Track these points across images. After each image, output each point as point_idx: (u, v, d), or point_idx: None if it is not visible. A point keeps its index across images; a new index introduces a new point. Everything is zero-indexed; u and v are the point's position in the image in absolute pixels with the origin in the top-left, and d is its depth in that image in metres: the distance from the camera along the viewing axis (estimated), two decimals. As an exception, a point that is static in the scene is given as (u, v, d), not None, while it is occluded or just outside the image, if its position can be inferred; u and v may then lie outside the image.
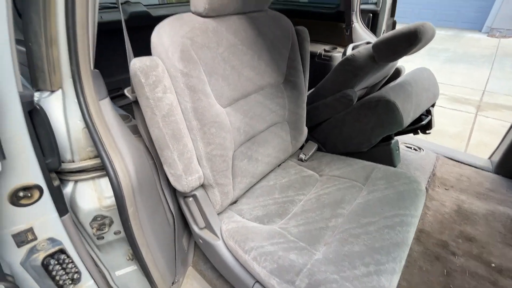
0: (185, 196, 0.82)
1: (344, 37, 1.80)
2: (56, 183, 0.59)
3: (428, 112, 1.36)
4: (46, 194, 0.57)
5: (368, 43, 1.48)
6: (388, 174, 0.94)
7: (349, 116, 1.23)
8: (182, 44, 0.62)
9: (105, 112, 0.65)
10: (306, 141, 1.20)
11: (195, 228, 0.86)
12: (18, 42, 0.53)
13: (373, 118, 1.14)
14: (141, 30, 2.04)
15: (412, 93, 1.17)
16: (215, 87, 0.71)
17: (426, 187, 1.47)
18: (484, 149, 2.36)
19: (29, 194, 0.53)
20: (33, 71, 0.58)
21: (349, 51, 1.30)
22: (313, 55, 1.89)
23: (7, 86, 0.48)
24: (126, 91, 0.69)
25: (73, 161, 0.65)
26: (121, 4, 1.91)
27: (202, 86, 0.67)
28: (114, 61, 1.76)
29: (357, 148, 1.25)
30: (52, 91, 0.61)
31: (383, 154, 1.26)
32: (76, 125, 0.62)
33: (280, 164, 1.11)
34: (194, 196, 0.79)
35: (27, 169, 0.54)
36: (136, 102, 0.70)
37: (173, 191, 0.88)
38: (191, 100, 0.66)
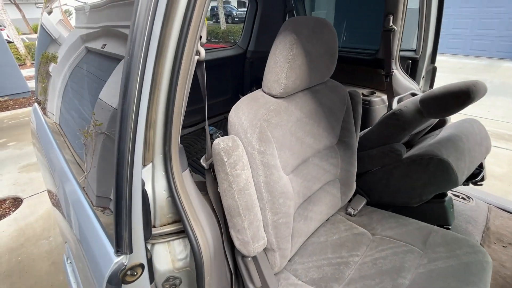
0: (244, 255, 0.85)
1: (383, 83, 1.83)
2: (149, 255, 0.65)
3: (480, 166, 1.32)
4: (146, 269, 0.63)
5: (413, 94, 1.50)
6: (448, 240, 0.91)
7: (398, 170, 1.22)
8: (260, 126, 0.69)
9: (187, 183, 0.71)
10: (354, 194, 1.20)
11: (251, 287, 0.88)
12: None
13: (424, 175, 1.13)
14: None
15: (465, 150, 1.15)
16: (282, 158, 0.76)
17: (480, 243, 1.38)
18: (538, 194, 2.18)
19: (135, 272, 0.59)
20: (133, 145, 0.67)
21: (395, 104, 1.32)
22: (351, 98, 1.94)
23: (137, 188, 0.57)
24: (202, 160, 0.76)
25: (154, 226, 0.71)
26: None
27: (274, 161, 0.73)
28: None
29: (406, 202, 1.22)
30: (145, 165, 0.69)
31: (436, 211, 1.22)
32: (161, 194, 0.69)
33: (328, 218, 1.11)
34: (254, 258, 0.81)
35: (138, 249, 0.61)
36: (208, 169, 0.77)
37: (233, 249, 0.92)
38: (264, 174, 0.71)
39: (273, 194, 0.73)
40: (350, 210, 1.14)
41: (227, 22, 15.20)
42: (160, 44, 0.60)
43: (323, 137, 0.91)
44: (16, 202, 2.61)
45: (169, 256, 0.75)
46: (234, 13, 16.74)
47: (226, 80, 2.61)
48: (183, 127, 2.48)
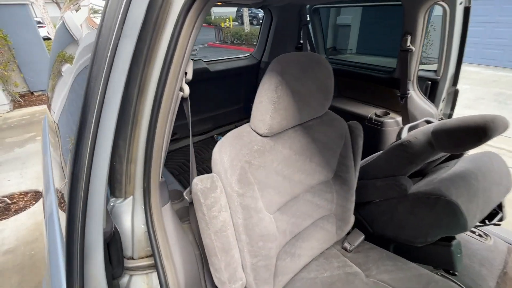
0: None
1: (398, 104, 1.73)
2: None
3: (498, 205, 1.20)
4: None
5: (427, 121, 1.40)
6: (449, 294, 0.83)
7: (402, 206, 1.14)
8: (241, 168, 0.67)
9: (165, 218, 0.71)
10: (354, 225, 1.14)
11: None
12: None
13: (430, 216, 1.05)
14: (200, 83, 2.27)
15: (479, 190, 1.05)
16: (266, 198, 0.73)
17: (494, 290, 1.25)
18: None
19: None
20: (113, 182, 0.67)
21: (404, 133, 1.24)
22: (362, 118, 1.85)
23: (97, 228, 0.56)
24: (185, 193, 0.75)
25: (133, 258, 0.71)
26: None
27: (255, 204, 0.70)
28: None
29: (410, 241, 1.14)
30: (126, 198, 0.69)
31: (442, 255, 1.12)
32: (140, 228, 0.69)
33: (323, 252, 1.07)
34: (235, 295, 0.79)
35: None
36: (191, 203, 0.76)
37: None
38: (243, 217, 0.69)
39: (251, 237, 0.71)
40: (346, 244, 1.08)
41: (251, 24, 15.28)
42: (141, 83, 0.60)
43: (317, 172, 0.87)
44: (36, 195, 2.78)
45: (146, 288, 0.75)
46: (260, 15, 16.79)
47: (239, 89, 2.61)
48: (193, 135, 2.52)
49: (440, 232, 1.05)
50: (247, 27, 13.34)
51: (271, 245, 0.75)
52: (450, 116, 1.81)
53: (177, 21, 0.55)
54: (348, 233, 1.13)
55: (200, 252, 0.85)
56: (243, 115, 2.75)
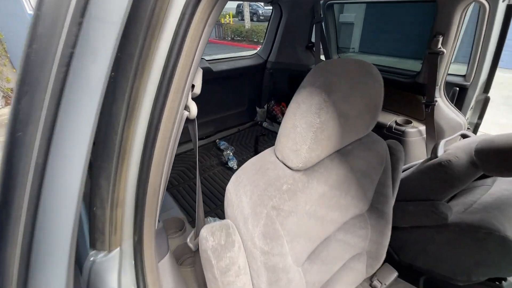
0: None
1: (422, 112, 1.57)
2: None
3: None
4: None
5: (463, 136, 1.24)
6: None
7: (440, 236, 0.98)
8: (267, 217, 0.50)
9: (165, 276, 0.54)
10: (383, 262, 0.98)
11: None
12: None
13: (477, 252, 0.88)
14: (203, 83, 2.08)
15: (536, 222, 0.88)
16: (295, 250, 0.56)
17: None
18: None
19: None
20: (93, 232, 0.50)
21: (441, 150, 1.08)
22: (381, 126, 1.68)
23: None
24: (189, 239, 0.58)
25: (120, 327, 0.54)
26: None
27: (283, 263, 0.53)
28: None
29: (447, 277, 0.98)
30: (110, 251, 0.52)
31: (489, 298, 0.97)
32: (129, 291, 0.52)
33: None
34: None
35: None
36: (197, 251, 0.59)
37: None
38: (267, 280, 0.52)
39: None
40: (376, 283, 0.92)
41: (251, 20, 14.98)
42: (130, 103, 0.42)
43: (351, 206, 0.70)
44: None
45: None
46: (260, 11, 16.47)
47: (243, 91, 2.43)
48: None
49: (489, 272, 0.89)
50: (247, 23, 13.08)
51: (300, 308, 0.59)
52: (477, 125, 1.65)
53: (183, 14, 0.38)
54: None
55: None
56: (247, 118, 2.57)
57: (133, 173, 0.46)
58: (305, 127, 0.49)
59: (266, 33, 2.32)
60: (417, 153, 1.63)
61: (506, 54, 6.95)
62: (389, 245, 1.19)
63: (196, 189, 0.57)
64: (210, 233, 0.49)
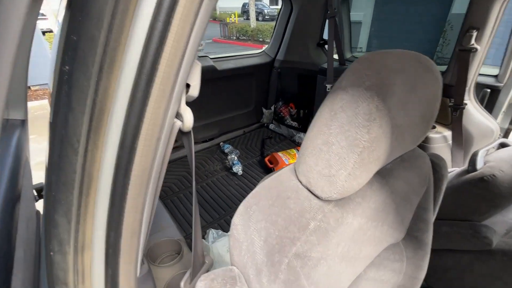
0: None
1: (447, 115, 1.42)
2: None
3: None
4: None
5: (503, 145, 1.08)
6: None
7: (482, 265, 0.83)
8: (288, 268, 0.36)
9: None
10: None
11: None
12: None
13: (533, 288, 0.74)
14: (206, 83, 1.95)
15: None
16: None
17: None
18: None
19: None
20: (51, 283, 0.37)
21: (480, 162, 0.93)
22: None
23: None
24: (183, 285, 0.45)
25: None
26: (189, 59, 1.84)
27: None
28: None
29: (491, 314, 0.84)
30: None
31: None
32: None
33: None
34: None
35: None
36: None
37: None
38: None
39: None
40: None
41: (257, 20, 14.85)
42: (94, 109, 0.29)
43: (387, 236, 0.56)
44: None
45: None
46: (266, 11, 16.31)
47: (249, 91, 2.29)
48: (196, 143, 2.22)
49: (546, 312, 0.74)
50: (253, 22, 12.96)
51: None
52: (508, 132, 1.49)
53: None
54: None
55: None
56: (253, 120, 2.44)
57: (102, 208, 0.33)
58: (345, 145, 0.35)
59: (274, 29, 2.19)
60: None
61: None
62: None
63: (193, 221, 0.44)
64: (209, 280, 0.35)
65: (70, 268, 0.36)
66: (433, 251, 0.99)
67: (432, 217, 0.64)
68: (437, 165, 0.63)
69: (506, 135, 1.50)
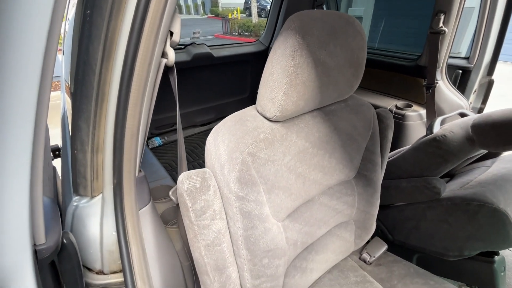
0: None
1: (423, 95, 1.54)
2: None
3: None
4: None
5: (461, 114, 1.21)
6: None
7: (433, 212, 0.97)
8: (242, 162, 0.50)
9: (145, 223, 0.55)
10: (373, 235, 0.97)
11: None
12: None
13: (469, 225, 0.87)
14: (203, 69, 2.10)
15: (531, 197, 0.86)
16: (274, 203, 0.57)
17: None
18: None
19: None
20: (75, 177, 0.52)
21: (437, 127, 1.06)
22: (381, 110, 1.66)
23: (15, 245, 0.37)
24: (171, 193, 0.59)
25: (103, 273, 0.56)
26: (187, 45, 1.98)
27: (259, 210, 0.54)
28: (171, 97, 1.79)
29: (440, 253, 0.97)
30: (93, 197, 0.54)
31: (481, 273, 0.95)
32: (111, 236, 0.54)
33: (336, 263, 0.90)
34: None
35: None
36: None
37: None
38: (243, 227, 0.53)
39: (254, 252, 0.55)
40: (365, 255, 0.91)
41: (259, 16, 14.91)
42: (106, 42, 0.43)
43: (337, 170, 0.70)
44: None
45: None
46: (268, 7, 16.31)
47: (245, 78, 2.43)
48: (194, 126, 2.36)
49: (480, 245, 0.87)
50: (255, 18, 13.03)
51: (279, 262, 0.59)
52: (481, 110, 1.61)
53: None
54: (367, 241, 0.96)
55: (190, 263, 0.70)
56: (249, 105, 2.57)
57: (111, 116, 0.47)
58: (280, 72, 0.49)
59: (268, 18, 2.32)
60: (417, 136, 1.61)
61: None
62: (383, 224, 1.19)
63: (178, 140, 0.58)
64: (186, 177, 0.50)
65: (88, 164, 0.50)
66: (395, 207, 1.13)
67: (379, 159, 0.78)
68: (383, 116, 0.77)
69: (479, 113, 1.62)
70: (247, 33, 12.76)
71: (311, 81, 0.51)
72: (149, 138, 2.10)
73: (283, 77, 0.49)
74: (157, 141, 2.12)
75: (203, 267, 0.53)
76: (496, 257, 0.92)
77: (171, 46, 0.50)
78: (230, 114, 0.58)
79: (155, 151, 2.09)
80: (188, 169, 0.54)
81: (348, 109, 0.67)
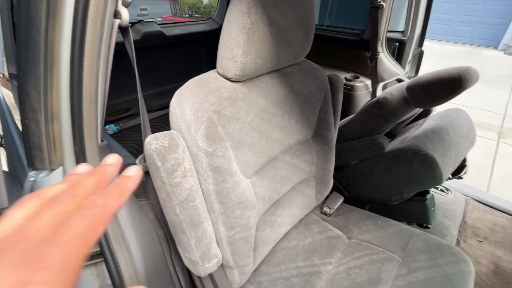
0: None
1: (368, 67, 1.69)
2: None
3: (463, 159, 1.24)
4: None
5: (398, 80, 1.37)
6: (430, 246, 0.82)
7: (379, 165, 1.11)
8: (208, 119, 0.52)
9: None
10: (331, 190, 1.09)
11: (208, 304, 0.75)
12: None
13: (407, 172, 1.03)
14: (154, 49, 1.99)
15: (452, 144, 1.05)
16: (241, 160, 0.61)
17: (457, 239, 1.34)
18: (510, 182, 2.21)
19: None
20: (29, 149, 0.49)
21: (379, 91, 1.19)
22: (332, 83, 1.79)
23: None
24: (138, 161, 0.59)
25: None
26: (135, 23, 1.84)
27: (228, 165, 0.57)
28: (124, 81, 1.68)
29: (386, 200, 1.13)
30: (52, 169, 0.51)
31: (417, 210, 1.14)
32: (77, 209, 0.53)
33: (301, 219, 1.00)
34: (210, 275, 0.68)
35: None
36: (147, 172, 0.60)
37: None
38: (214, 182, 0.56)
39: (227, 205, 0.59)
40: (325, 209, 1.02)
41: (210, -4, 14.25)
42: (50, -3, 0.40)
43: (296, 130, 0.76)
44: None
45: (96, 281, 0.60)
46: (218, -13, 15.68)
47: (198, 59, 2.36)
48: (151, 111, 2.26)
49: (416, 187, 1.04)
50: (205, -1, 12.42)
51: (250, 213, 0.64)
52: (414, 78, 1.84)
53: None
54: (327, 197, 1.07)
55: (164, 231, 0.71)
56: None
57: (65, 81, 0.45)
58: (238, 30, 0.52)
59: (219, -5, 2.26)
60: (364, 105, 1.78)
61: (444, 28, 7.58)
62: (339, 182, 1.32)
63: (139, 105, 0.56)
64: (154, 138, 0.50)
65: (43, 134, 0.48)
66: (349, 166, 1.26)
67: (332, 120, 0.86)
68: (333, 80, 0.85)
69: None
70: (198, 15, 12.17)
71: (267, 40, 0.55)
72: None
73: (241, 35, 0.51)
74: (111, 129, 1.99)
75: (179, 224, 0.56)
76: (428, 195, 1.11)
77: (123, 5, 0.48)
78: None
79: (110, 139, 1.95)
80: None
81: (302, 71, 0.73)
